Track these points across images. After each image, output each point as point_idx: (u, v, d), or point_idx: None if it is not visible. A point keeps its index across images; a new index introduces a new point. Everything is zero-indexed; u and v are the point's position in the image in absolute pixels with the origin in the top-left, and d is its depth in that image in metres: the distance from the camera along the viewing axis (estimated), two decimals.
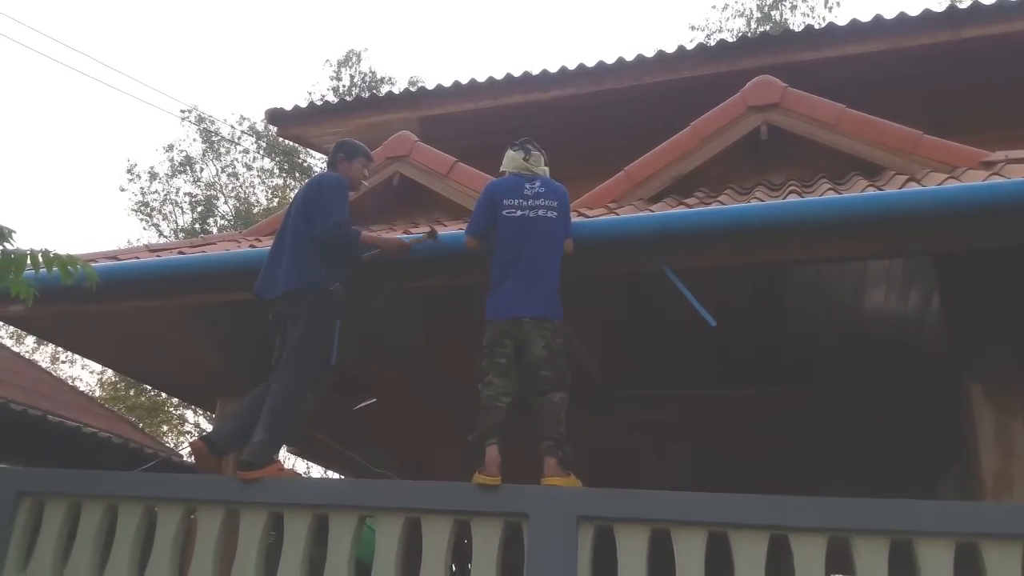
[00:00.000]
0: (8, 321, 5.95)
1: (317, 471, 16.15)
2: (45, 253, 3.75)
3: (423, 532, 3.64)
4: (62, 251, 3.58)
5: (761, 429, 6.00)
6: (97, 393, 16.96)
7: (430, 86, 7.85)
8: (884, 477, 5.74)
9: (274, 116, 8.10)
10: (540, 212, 4.04)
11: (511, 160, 4.31)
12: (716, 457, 6.20)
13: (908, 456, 5.80)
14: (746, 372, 5.64)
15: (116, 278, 4.80)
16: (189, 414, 17.63)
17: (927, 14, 6.41)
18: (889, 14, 6.49)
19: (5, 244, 3.59)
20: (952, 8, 6.49)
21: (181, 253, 5.20)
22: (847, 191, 4.36)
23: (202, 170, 19.43)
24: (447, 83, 7.61)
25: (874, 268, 4.92)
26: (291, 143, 13.71)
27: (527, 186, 4.15)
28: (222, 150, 19.57)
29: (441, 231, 4.74)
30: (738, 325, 4.67)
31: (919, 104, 6.35)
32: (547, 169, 4.33)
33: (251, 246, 5.23)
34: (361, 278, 4.37)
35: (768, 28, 17.51)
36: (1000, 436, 3.79)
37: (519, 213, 4.05)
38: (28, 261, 3.63)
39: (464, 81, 7.54)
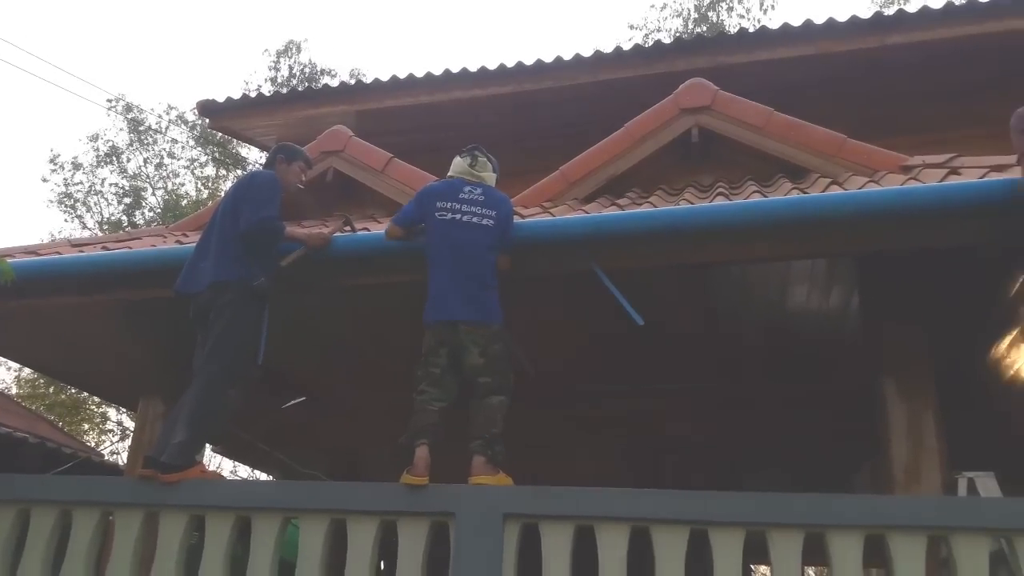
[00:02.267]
0: None
1: (244, 471, 15.92)
2: None
3: (348, 533, 3.61)
4: None
5: (687, 425, 6.11)
6: (14, 390, 16.34)
7: (369, 80, 7.76)
8: (805, 472, 5.90)
9: (206, 108, 7.90)
10: (474, 219, 4.00)
11: (456, 165, 4.29)
12: (645, 453, 6.28)
13: (828, 451, 5.97)
14: (673, 369, 5.72)
15: (35, 274, 4.64)
16: (111, 412, 17.11)
17: (855, 20, 6.59)
18: (820, 19, 6.66)
19: None
20: (878, 15, 6.68)
21: (105, 248, 5.05)
22: (773, 194, 4.46)
23: (128, 160, 18.86)
24: (385, 77, 7.55)
25: (797, 268, 5.04)
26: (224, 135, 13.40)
27: (465, 190, 4.11)
28: (150, 140, 19.01)
29: (374, 227, 4.71)
30: (665, 323, 4.73)
31: (845, 108, 6.53)
32: (494, 176, 4.30)
33: (177, 242, 5.11)
34: (291, 275, 4.30)
35: (704, 29, 17.85)
36: (911, 429, 3.93)
37: (450, 216, 4.02)
38: None
39: (402, 76, 7.48)
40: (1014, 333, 4.67)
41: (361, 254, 4.33)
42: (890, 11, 6.90)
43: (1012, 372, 4.99)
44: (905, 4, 19.61)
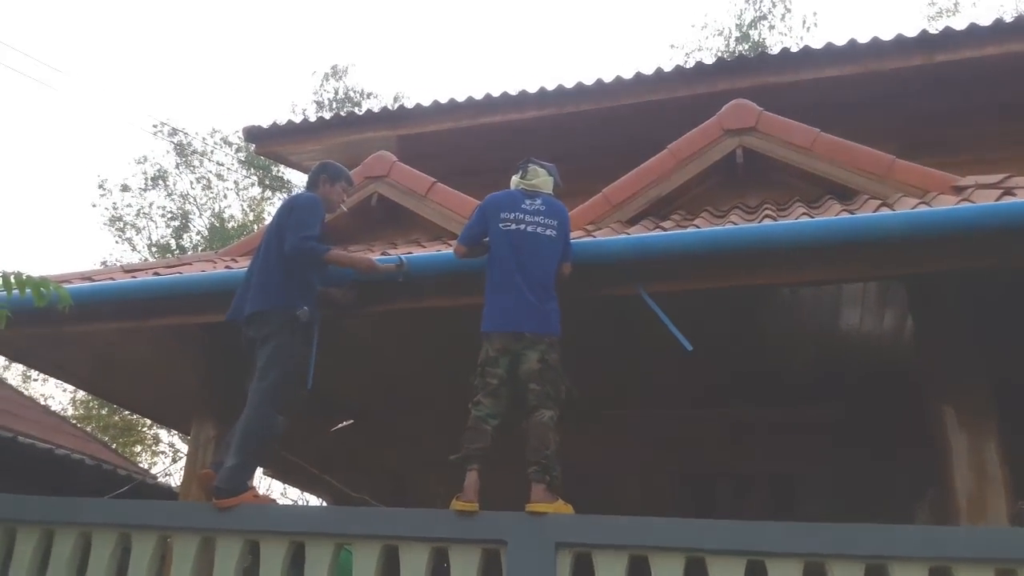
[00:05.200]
0: None
1: (294, 493, 16.06)
2: (17, 275, 3.71)
3: (401, 560, 3.62)
4: (36, 270, 3.55)
5: (738, 450, 6.03)
6: (69, 412, 16.72)
7: (411, 103, 7.87)
8: (861, 501, 5.77)
9: (251, 133, 8.07)
10: (538, 229, 4.04)
11: (512, 184, 4.34)
12: (694, 478, 6.21)
13: (884, 479, 5.84)
14: (723, 393, 5.67)
15: (90, 299, 4.76)
16: (163, 433, 17.40)
17: (901, 39, 6.51)
18: (864, 37, 6.60)
19: None
20: (925, 33, 6.59)
21: (156, 274, 5.16)
22: (821, 215, 4.42)
23: (175, 183, 19.29)
24: (427, 102, 7.64)
25: (848, 290, 4.97)
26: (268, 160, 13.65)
27: (527, 201, 4.15)
28: (196, 163, 19.45)
29: (418, 252, 4.75)
30: (714, 347, 4.69)
31: (892, 127, 6.44)
32: (551, 181, 4.31)
33: (227, 267, 5.21)
34: (337, 300, 4.36)
35: (746, 48, 17.77)
36: (973, 459, 3.82)
37: (514, 227, 4.05)
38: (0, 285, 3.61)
39: (443, 100, 7.56)
40: None
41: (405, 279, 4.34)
42: (937, 29, 6.74)
43: None
44: (952, 16, 19.39)
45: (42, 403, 13.20)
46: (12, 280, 3.60)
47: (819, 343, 5.40)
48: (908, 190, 4.70)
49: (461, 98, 7.52)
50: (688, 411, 5.84)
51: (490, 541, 3.54)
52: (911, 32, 6.54)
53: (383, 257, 4.43)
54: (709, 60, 8.50)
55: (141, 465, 14.55)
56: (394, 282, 4.25)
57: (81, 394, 16.38)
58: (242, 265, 4.98)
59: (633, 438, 6.14)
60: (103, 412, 16.32)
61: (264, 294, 4.14)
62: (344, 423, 6.88)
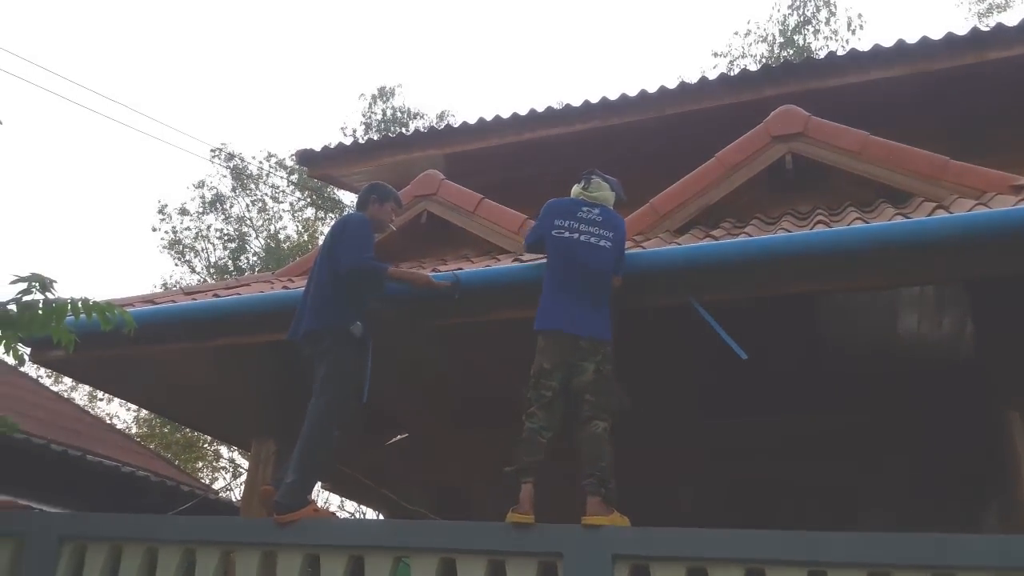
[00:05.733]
0: (49, 366, 6.10)
1: (351, 506, 16.24)
2: (84, 301, 3.87)
3: (458, 573, 3.65)
4: (101, 294, 3.70)
5: (795, 459, 5.93)
6: (133, 430, 17.17)
7: (458, 121, 7.95)
8: (924, 509, 5.63)
9: (304, 157, 8.25)
10: (592, 239, 4.06)
11: (573, 192, 4.38)
12: (749, 488, 6.12)
13: (949, 487, 5.69)
14: (778, 401, 5.59)
15: (153, 322, 4.91)
16: (223, 450, 17.77)
17: (951, 37, 6.38)
18: (912, 37, 6.49)
19: (47, 294, 3.72)
20: (976, 31, 6.45)
21: (216, 296, 5.30)
22: (875, 219, 4.35)
23: (232, 206, 19.76)
24: (472, 120, 7.71)
25: (905, 294, 4.88)
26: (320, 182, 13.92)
27: (584, 209, 4.18)
28: (251, 186, 19.91)
29: (468, 267, 4.81)
30: (769, 354, 4.65)
31: (944, 128, 6.30)
32: (613, 196, 4.33)
33: (284, 287, 5.32)
34: (391, 316, 4.43)
35: (790, 53, 17.54)
36: None
37: (567, 235, 4.10)
38: (68, 309, 3.77)
39: (489, 118, 7.63)
40: None
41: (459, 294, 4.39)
42: (988, 27, 6.58)
43: None
44: (1002, 12, 18.91)
45: (108, 422, 13.59)
46: (80, 305, 3.76)
47: (875, 348, 5.30)
48: (964, 191, 4.61)
49: (506, 114, 7.58)
50: (743, 419, 5.76)
51: (547, 554, 3.55)
52: (961, 30, 6.41)
53: (438, 274, 4.49)
54: (753, 67, 8.44)
55: (202, 481, 14.87)
56: (449, 298, 4.30)
57: (144, 413, 16.84)
58: (298, 285, 5.09)
59: (688, 448, 6.08)
60: (166, 430, 16.74)
61: (318, 313, 4.23)
62: (399, 436, 6.96)
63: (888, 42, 6.57)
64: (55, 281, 3.70)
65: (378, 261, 4.29)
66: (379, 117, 19.72)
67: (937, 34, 6.45)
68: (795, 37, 18.55)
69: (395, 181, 6.79)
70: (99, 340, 4.35)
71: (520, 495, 3.68)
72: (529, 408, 3.87)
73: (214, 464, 18.22)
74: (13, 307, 3.71)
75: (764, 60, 17.82)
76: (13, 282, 3.65)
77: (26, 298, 3.68)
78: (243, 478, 16.71)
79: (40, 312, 3.67)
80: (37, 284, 3.63)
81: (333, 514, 4.73)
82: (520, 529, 3.60)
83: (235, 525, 4.26)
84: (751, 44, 19.27)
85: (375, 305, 4.38)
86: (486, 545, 3.67)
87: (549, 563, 3.56)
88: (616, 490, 3.69)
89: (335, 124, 27.40)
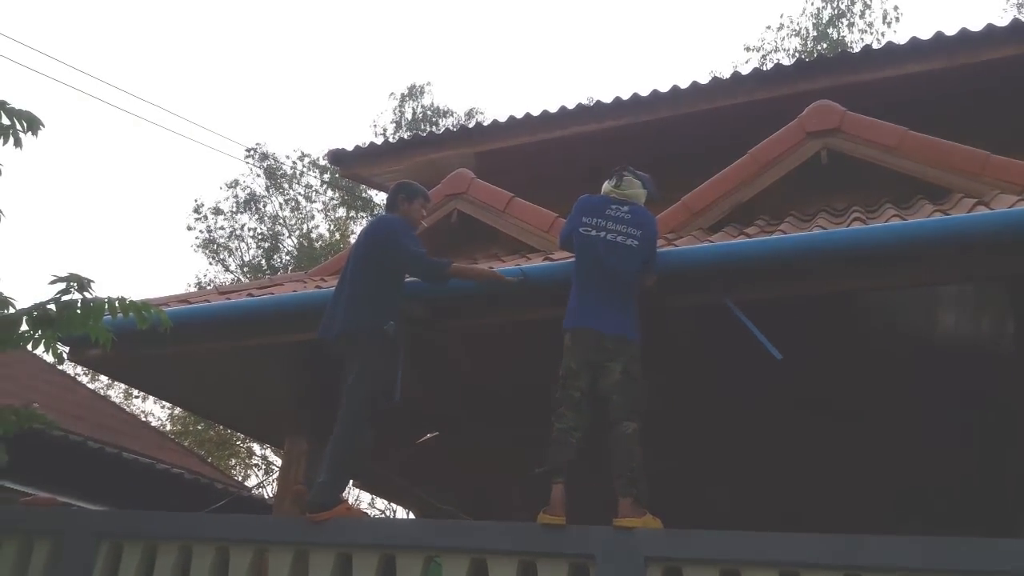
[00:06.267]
0: (86, 365, 6.20)
1: (381, 503, 16.33)
2: (121, 300, 3.92)
3: (489, 573, 3.64)
4: (136, 292, 3.75)
5: (830, 461, 5.84)
6: (168, 427, 17.41)
7: (487, 119, 7.94)
8: (961, 511, 5.51)
9: (336, 157, 8.30)
10: (619, 238, 4.02)
11: (604, 189, 4.34)
12: (785, 488, 6.05)
13: (986, 488, 5.57)
14: (813, 399, 5.50)
15: (188, 321, 4.97)
16: (256, 447, 17.96)
17: (991, 29, 6.24)
18: (951, 29, 6.35)
19: (85, 293, 3.78)
20: (1016, 22, 6.30)
21: (250, 295, 5.35)
22: (912, 216, 4.27)
23: (265, 205, 19.95)
24: (502, 118, 7.70)
25: (943, 292, 4.78)
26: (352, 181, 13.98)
27: (612, 207, 4.14)
28: (285, 185, 20.08)
29: (499, 265, 4.80)
30: (804, 353, 4.58)
31: (983, 122, 6.16)
32: (644, 193, 4.28)
33: (317, 287, 5.35)
34: (422, 315, 4.44)
35: (824, 47, 17.29)
36: None
37: (593, 233, 4.06)
38: (106, 308, 3.82)
39: (519, 115, 7.61)
40: None
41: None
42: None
43: None
44: None
45: (143, 419, 13.81)
46: (116, 305, 3.81)
47: (912, 346, 5.20)
48: (1005, 187, 4.51)
49: (536, 112, 7.56)
50: (777, 417, 5.68)
51: (578, 556, 3.53)
52: (1001, 22, 6.26)
53: (505, 268, 4.47)
54: (787, 62, 8.33)
55: (235, 478, 15.05)
56: (517, 292, 4.27)
57: (178, 410, 17.07)
58: (331, 284, 5.12)
59: (721, 444, 6.02)
60: (199, 427, 16.95)
61: (352, 314, 4.25)
62: (430, 435, 6.96)
63: (925, 35, 6.44)
64: (93, 281, 3.75)
65: (435, 258, 4.31)
66: (409, 116, 19.80)
67: (976, 26, 6.32)
68: (829, 31, 18.29)
69: (426, 180, 6.79)
70: (135, 339, 4.41)
71: (551, 496, 3.67)
72: (558, 409, 3.85)
73: (247, 461, 18.43)
74: (52, 307, 3.76)
75: (797, 55, 17.58)
76: (52, 282, 3.71)
77: (65, 298, 3.74)
78: (276, 475, 16.88)
79: (78, 311, 3.73)
80: (75, 284, 3.68)
81: (365, 513, 4.75)
82: (551, 530, 3.59)
83: (268, 524, 4.30)
84: (784, 38, 19.04)
85: (408, 305, 4.39)
86: (517, 546, 3.66)
87: (580, 565, 3.54)
88: (648, 491, 3.66)
89: (367, 123, 27.62)
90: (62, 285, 3.67)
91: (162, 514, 4.55)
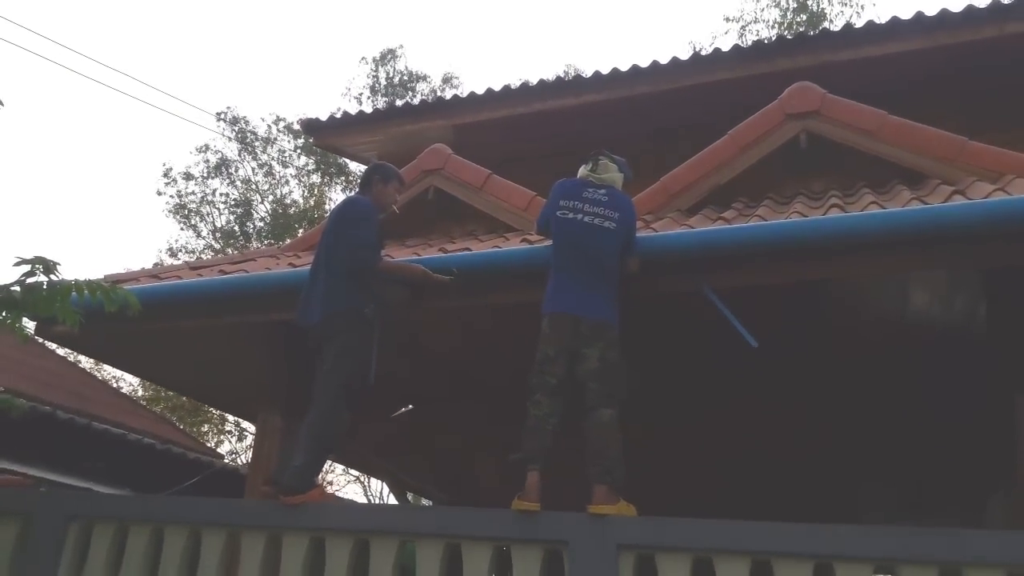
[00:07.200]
0: (54, 340, 6.08)
1: (355, 473, 16.35)
2: (89, 283, 3.85)
3: (463, 558, 3.65)
4: (106, 260, 3.69)
5: (798, 445, 5.91)
6: (139, 394, 17.26)
7: (464, 82, 7.90)
8: (928, 498, 5.61)
9: (309, 126, 8.16)
10: (596, 220, 3.99)
11: (580, 173, 4.31)
12: (754, 475, 6.12)
13: (953, 475, 5.67)
14: (781, 386, 5.55)
15: (158, 300, 4.88)
16: (229, 415, 17.87)
17: (971, 9, 6.22)
18: (931, 8, 6.32)
19: (51, 276, 3.70)
20: (996, 2, 6.27)
21: (222, 272, 5.25)
22: (889, 201, 4.28)
23: (237, 170, 19.63)
24: (480, 90, 7.59)
25: (917, 277, 4.81)
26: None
27: (589, 190, 4.11)
28: (258, 150, 19.75)
29: (475, 245, 4.76)
30: (777, 339, 4.60)
31: (962, 104, 6.17)
32: (621, 177, 4.26)
33: (290, 263, 5.28)
34: (398, 297, 4.40)
35: (803, 19, 17.21)
36: None
37: (571, 215, 4.03)
38: (73, 290, 3.75)
39: (497, 88, 7.51)
40: None
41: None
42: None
43: None
44: None
45: (114, 385, 13.67)
46: (84, 287, 3.73)
47: (884, 331, 5.25)
48: (981, 173, 4.53)
49: (515, 85, 7.46)
50: (746, 404, 5.73)
51: (552, 541, 3.55)
52: (982, 2, 6.23)
53: (436, 258, 4.43)
54: (766, 33, 8.27)
55: (208, 445, 14.98)
56: (446, 287, 4.27)
57: None
58: (304, 261, 5.05)
59: (692, 432, 6.07)
60: (171, 394, 16.80)
61: (329, 298, 4.20)
62: (404, 409, 6.96)
63: (906, 13, 6.41)
64: (58, 264, 3.67)
65: (373, 252, 4.25)
66: (384, 81, 19.49)
67: (957, 5, 6.30)
68: (809, 3, 18.19)
69: (402, 152, 6.72)
70: (104, 317, 4.31)
71: (526, 482, 3.67)
72: (534, 395, 3.83)
73: (220, 427, 18.35)
74: (17, 289, 3.68)
75: (777, 26, 17.49)
76: (16, 264, 3.62)
77: (30, 280, 3.66)
78: (248, 441, 16.85)
79: (44, 294, 3.65)
80: (40, 267, 3.60)
81: (339, 498, 4.74)
82: (526, 516, 3.60)
83: (241, 507, 4.27)
84: (763, 8, 18.92)
85: (383, 287, 4.34)
86: (491, 531, 3.67)
87: (554, 551, 3.55)
88: (623, 479, 3.67)
89: (340, 86, 27.16)
90: (27, 267, 3.58)
91: (133, 496, 4.53)
